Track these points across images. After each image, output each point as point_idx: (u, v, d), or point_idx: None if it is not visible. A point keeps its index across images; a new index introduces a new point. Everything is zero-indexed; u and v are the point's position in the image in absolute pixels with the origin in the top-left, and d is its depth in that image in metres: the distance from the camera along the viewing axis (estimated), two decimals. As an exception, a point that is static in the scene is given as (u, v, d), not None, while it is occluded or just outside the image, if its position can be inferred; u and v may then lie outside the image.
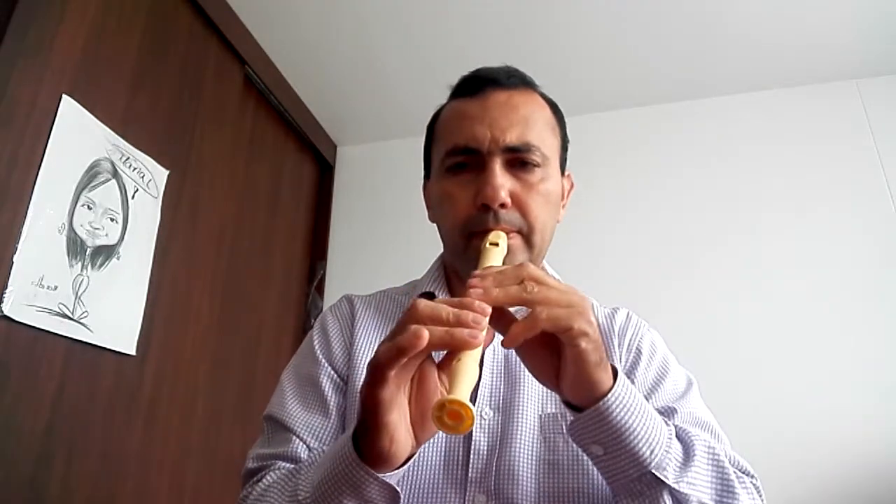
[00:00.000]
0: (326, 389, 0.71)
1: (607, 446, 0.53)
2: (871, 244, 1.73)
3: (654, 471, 0.52)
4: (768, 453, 1.58)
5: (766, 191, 1.86)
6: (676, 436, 0.57)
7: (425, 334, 0.44)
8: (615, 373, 0.53)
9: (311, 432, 0.68)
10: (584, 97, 2.02)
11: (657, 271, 1.84)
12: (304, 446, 0.67)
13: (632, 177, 1.99)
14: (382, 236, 2.09)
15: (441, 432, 0.65)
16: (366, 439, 0.49)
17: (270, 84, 1.85)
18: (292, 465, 0.64)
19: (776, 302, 1.73)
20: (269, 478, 0.63)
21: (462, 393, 0.43)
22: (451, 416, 0.43)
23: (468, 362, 0.46)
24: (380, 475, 0.49)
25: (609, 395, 0.51)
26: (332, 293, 2.06)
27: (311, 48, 1.82)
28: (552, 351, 0.53)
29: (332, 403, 0.70)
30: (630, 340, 0.76)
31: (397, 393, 0.47)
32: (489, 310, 0.49)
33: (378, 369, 0.46)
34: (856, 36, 1.74)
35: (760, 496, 0.61)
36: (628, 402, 0.52)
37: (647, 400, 0.69)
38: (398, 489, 0.51)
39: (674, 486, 0.53)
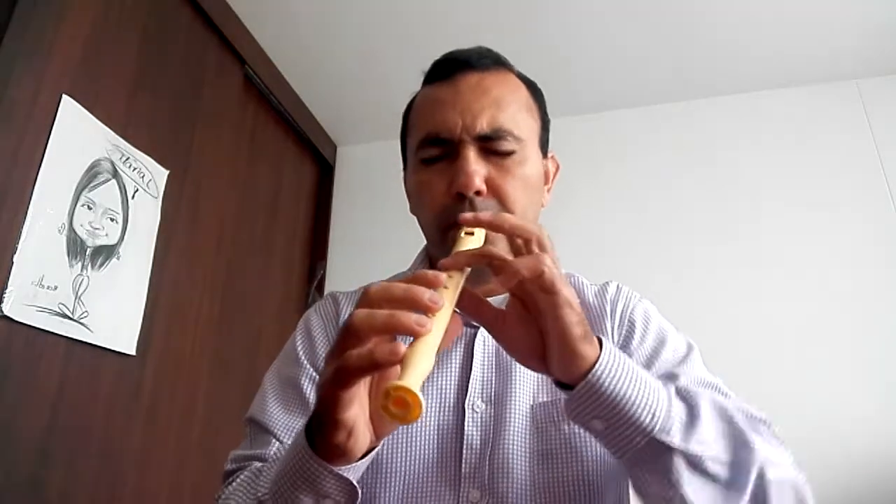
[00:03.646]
0: (308, 392, 0.70)
1: (607, 419, 0.50)
2: (871, 244, 1.73)
3: (659, 435, 0.49)
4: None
5: (766, 191, 1.86)
6: (679, 395, 0.54)
7: (401, 349, 0.41)
8: (601, 344, 0.51)
9: (291, 434, 0.67)
10: (587, 97, 2.02)
11: (656, 271, 1.84)
12: (283, 448, 0.66)
13: (632, 176, 1.99)
14: (382, 236, 2.08)
15: (430, 428, 0.63)
16: (322, 433, 0.47)
17: (270, 84, 1.85)
18: (262, 464, 0.63)
19: (776, 302, 1.73)
20: (239, 478, 0.62)
21: (409, 379, 0.40)
22: (397, 404, 0.40)
23: (422, 349, 0.43)
24: (337, 469, 0.47)
25: (596, 366, 0.49)
26: (332, 293, 2.06)
27: (311, 48, 1.82)
28: (533, 330, 0.51)
29: (313, 406, 0.69)
30: (622, 313, 0.73)
31: (358, 389, 0.46)
32: (443, 276, 0.47)
33: (348, 373, 0.43)
34: (856, 36, 1.74)
35: (779, 440, 0.59)
36: (618, 371, 0.49)
37: (646, 369, 0.66)
38: (356, 484, 0.49)
39: (683, 447, 0.50)
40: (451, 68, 0.72)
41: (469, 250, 0.51)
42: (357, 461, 0.49)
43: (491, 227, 0.52)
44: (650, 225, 1.91)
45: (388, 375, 0.46)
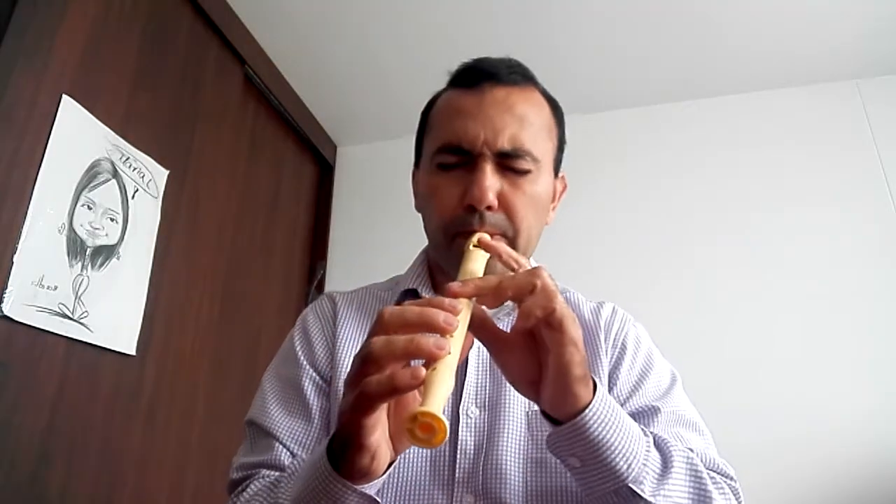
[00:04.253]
0: (308, 393, 0.70)
1: (584, 460, 0.52)
2: (871, 244, 1.73)
3: (630, 485, 0.52)
4: (767, 455, 1.58)
5: (765, 191, 1.86)
6: (655, 445, 0.57)
7: (422, 374, 0.42)
8: (595, 386, 0.52)
9: (294, 438, 0.67)
10: (587, 97, 2.02)
11: (656, 271, 1.84)
12: (288, 453, 0.66)
13: (631, 177, 1.99)
14: (382, 236, 2.08)
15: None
16: (345, 457, 0.48)
17: (270, 84, 1.85)
18: (275, 474, 0.64)
19: (776, 302, 1.73)
20: (251, 488, 0.62)
21: (435, 404, 0.41)
22: (423, 429, 0.41)
23: (443, 371, 0.44)
24: (359, 487, 0.49)
25: (587, 410, 0.50)
26: (332, 293, 2.06)
27: (311, 48, 1.81)
28: (532, 358, 0.52)
29: (314, 408, 0.69)
30: (616, 335, 0.75)
31: (380, 413, 0.46)
32: (461, 307, 0.48)
33: (370, 400, 0.44)
34: (856, 36, 1.74)
35: (738, 498, 0.62)
36: (606, 417, 0.51)
37: (630, 396, 0.69)
38: (377, 499, 0.50)
39: (650, 499, 0.52)
40: (478, 77, 0.71)
41: (481, 283, 0.52)
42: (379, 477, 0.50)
43: (491, 294, 0.51)
44: (650, 225, 1.91)
45: (408, 398, 0.47)
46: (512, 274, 0.52)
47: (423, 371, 0.43)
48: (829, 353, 1.65)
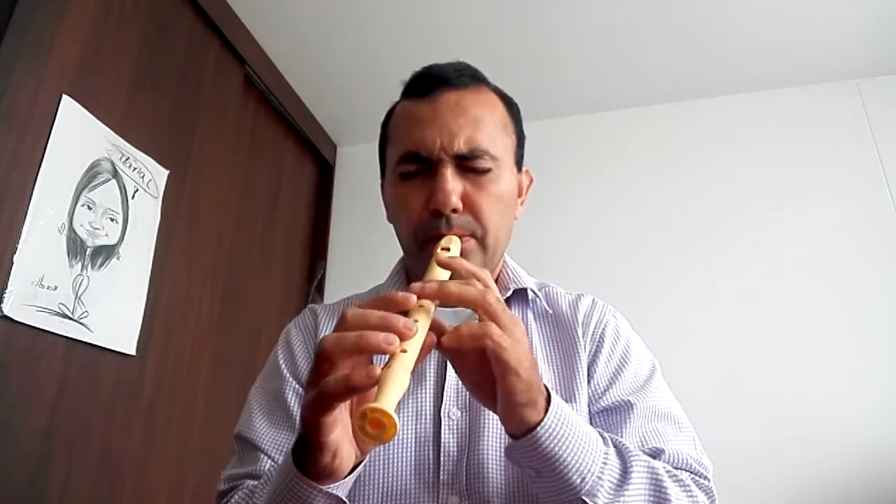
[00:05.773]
0: (292, 405, 0.72)
1: (539, 472, 0.53)
2: (871, 244, 1.73)
3: (584, 497, 0.53)
4: (767, 455, 1.58)
5: (765, 191, 1.86)
6: (617, 453, 0.57)
7: (376, 372, 0.43)
8: (549, 401, 0.53)
9: (279, 449, 0.68)
10: (587, 97, 2.02)
11: (655, 271, 1.84)
12: (272, 463, 0.67)
13: (631, 177, 1.99)
14: (382, 236, 2.07)
15: (408, 437, 0.65)
16: (308, 456, 0.49)
17: (270, 84, 1.85)
18: (255, 483, 0.65)
19: (776, 301, 1.73)
20: (234, 498, 0.64)
21: (385, 401, 0.42)
22: (373, 425, 0.41)
23: (397, 369, 0.44)
24: (325, 487, 0.49)
25: (538, 427, 0.51)
26: (332, 293, 2.06)
27: (311, 48, 1.81)
28: (489, 375, 0.52)
29: (297, 418, 0.70)
30: (595, 328, 0.75)
31: (340, 412, 0.47)
32: (414, 299, 0.48)
33: (327, 399, 0.45)
34: (856, 36, 1.74)
35: (709, 497, 0.62)
36: (559, 434, 0.52)
37: (608, 389, 0.70)
38: (345, 500, 0.51)
39: None
40: (430, 85, 0.73)
41: (438, 286, 0.51)
42: (344, 478, 0.50)
43: (441, 298, 0.51)
44: (650, 225, 1.91)
45: (368, 396, 0.47)
46: (464, 287, 0.51)
47: (378, 370, 0.43)
48: (829, 353, 1.65)
